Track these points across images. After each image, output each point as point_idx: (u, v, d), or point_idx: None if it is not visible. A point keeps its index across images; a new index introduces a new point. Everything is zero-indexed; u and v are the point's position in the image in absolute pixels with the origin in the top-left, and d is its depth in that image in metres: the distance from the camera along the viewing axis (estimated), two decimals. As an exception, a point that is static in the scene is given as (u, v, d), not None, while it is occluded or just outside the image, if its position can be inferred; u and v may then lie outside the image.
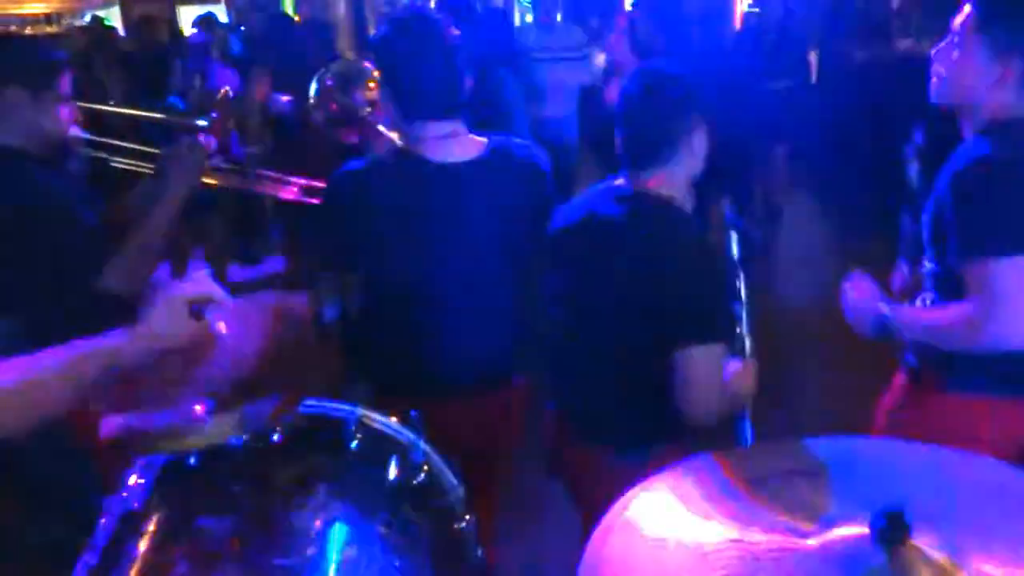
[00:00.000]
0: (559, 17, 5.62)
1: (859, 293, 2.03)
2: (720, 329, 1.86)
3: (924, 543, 0.98)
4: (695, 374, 1.80)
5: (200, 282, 1.36)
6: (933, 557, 0.97)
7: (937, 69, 1.87)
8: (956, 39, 1.82)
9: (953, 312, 1.77)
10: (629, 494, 1.20)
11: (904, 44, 6.26)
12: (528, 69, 4.65)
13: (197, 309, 1.32)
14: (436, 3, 4.19)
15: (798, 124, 5.65)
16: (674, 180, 1.91)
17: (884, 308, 1.95)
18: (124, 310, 2.12)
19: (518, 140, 2.20)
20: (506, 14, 6.85)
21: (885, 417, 2.05)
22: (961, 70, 1.81)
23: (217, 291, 1.36)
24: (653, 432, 1.93)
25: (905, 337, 1.92)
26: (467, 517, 1.43)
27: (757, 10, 7.16)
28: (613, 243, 1.90)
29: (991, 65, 1.76)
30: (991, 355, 1.79)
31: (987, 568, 0.98)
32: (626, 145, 1.93)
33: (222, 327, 1.37)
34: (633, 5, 4.09)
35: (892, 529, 0.97)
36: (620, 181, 1.98)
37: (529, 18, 8.96)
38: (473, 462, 1.61)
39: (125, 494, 1.40)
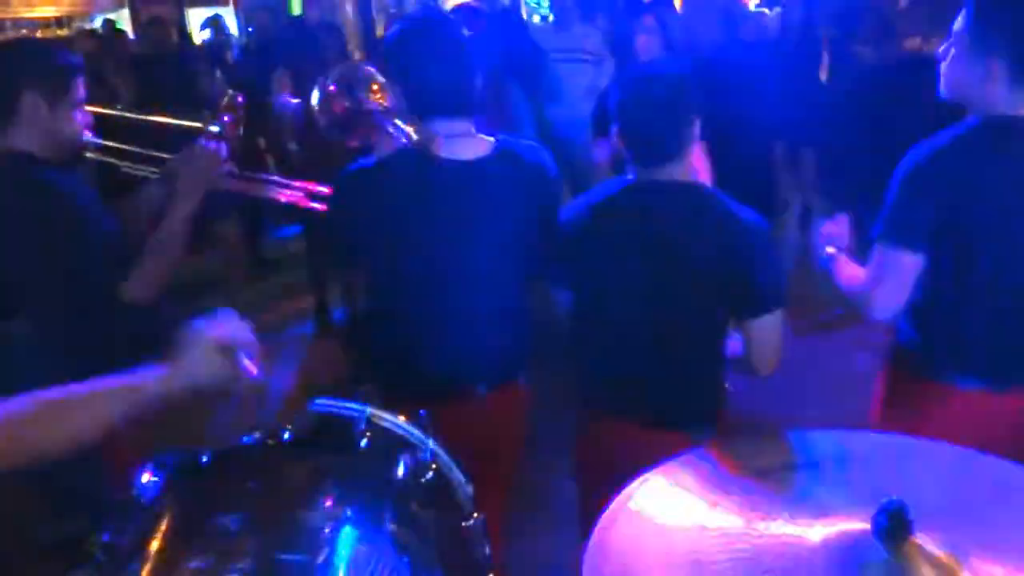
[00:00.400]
0: (574, 18, 5.56)
1: (828, 230, 2.16)
2: (784, 295, 1.98)
3: (925, 540, 0.99)
4: (768, 340, 1.95)
5: (229, 324, 1.38)
6: (934, 553, 0.98)
7: (942, 67, 1.92)
8: (953, 38, 1.87)
9: (859, 278, 1.95)
10: (632, 485, 1.22)
11: (912, 43, 6.25)
12: (543, 69, 4.63)
13: (227, 350, 1.34)
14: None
15: (812, 124, 5.61)
16: (681, 169, 1.94)
17: (829, 251, 2.12)
18: (141, 317, 2.14)
19: (525, 141, 2.22)
20: (518, 17, 6.82)
21: (881, 408, 2.08)
22: (955, 68, 1.89)
23: (247, 333, 1.38)
24: (711, 405, 2.04)
25: (835, 282, 2.07)
26: (475, 515, 1.45)
27: (766, 10, 7.14)
28: (662, 233, 1.93)
29: (979, 62, 1.82)
30: (978, 346, 1.87)
31: (988, 565, 0.99)
32: (632, 147, 1.95)
33: (251, 368, 1.39)
34: (657, 5, 4.05)
35: (894, 527, 0.98)
36: (629, 178, 2.00)
37: (536, 19, 8.95)
38: (481, 460, 1.62)
39: (138, 492, 1.42)
